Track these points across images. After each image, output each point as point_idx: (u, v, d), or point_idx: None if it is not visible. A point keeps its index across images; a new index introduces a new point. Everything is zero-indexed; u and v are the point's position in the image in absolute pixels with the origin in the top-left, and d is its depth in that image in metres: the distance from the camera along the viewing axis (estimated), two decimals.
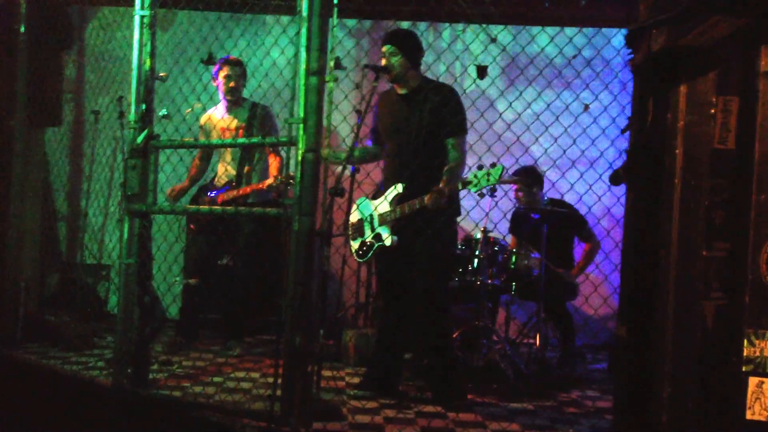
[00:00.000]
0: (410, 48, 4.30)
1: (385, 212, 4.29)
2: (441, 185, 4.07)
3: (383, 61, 4.31)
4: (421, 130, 4.25)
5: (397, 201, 4.26)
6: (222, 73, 5.35)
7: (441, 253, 4.28)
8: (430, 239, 4.17)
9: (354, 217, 4.52)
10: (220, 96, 5.43)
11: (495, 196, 4.38)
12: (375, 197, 4.44)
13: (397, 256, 4.30)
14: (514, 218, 5.84)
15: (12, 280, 5.31)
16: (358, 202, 4.55)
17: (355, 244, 4.47)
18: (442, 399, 4.23)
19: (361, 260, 4.48)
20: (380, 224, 4.31)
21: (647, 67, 2.89)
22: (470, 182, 4.05)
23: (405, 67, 4.29)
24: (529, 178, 5.47)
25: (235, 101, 5.40)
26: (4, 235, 5.34)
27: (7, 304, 5.27)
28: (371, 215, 4.37)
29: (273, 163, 5.39)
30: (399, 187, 4.26)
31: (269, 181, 5.20)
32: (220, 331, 5.61)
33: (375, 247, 4.31)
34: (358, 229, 4.45)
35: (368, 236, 4.36)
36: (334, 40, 3.78)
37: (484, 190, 4.06)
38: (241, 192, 5.29)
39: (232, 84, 5.33)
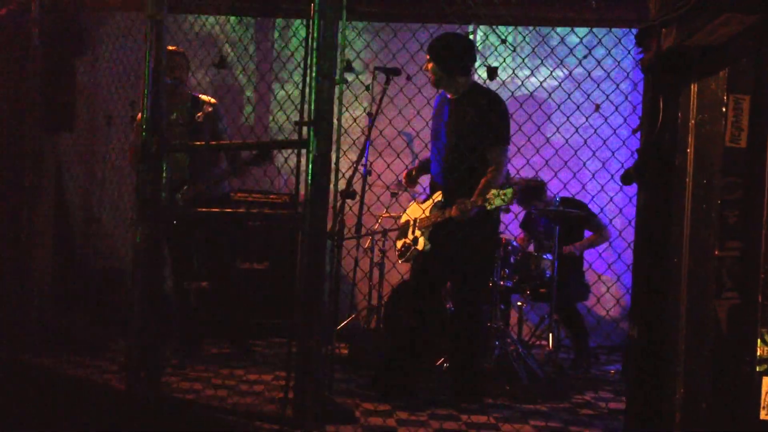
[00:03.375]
0: (443, 57, 4.26)
1: (423, 217, 4.41)
2: (473, 198, 4.08)
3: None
4: (463, 137, 4.25)
5: (438, 207, 4.31)
6: None
7: (480, 260, 4.35)
8: (468, 247, 4.19)
9: (403, 218, 4.67)
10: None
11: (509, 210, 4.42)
12: (425, 201, 4.53)
13: (432, 262, 4.36)
14: (526, 216, 5.87)
15: (26, 284, 5.35)
16: (410, 204, 4.69)
17: (398, 243, 4.62)
18: (463, 398, 4.27)
19: (401, 259, 4.61)
20: (418, 228, 4.40)
21: (657, 66, 2.87)
22: (487, 201, 4.08)
23: (440, 74, 4.30)
24: (528, 195, 5.47)
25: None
26: (17, 240, 5.38)
27: (21, 308, 5.30)
28: (415, 219, 4.49)
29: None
30: (440, 194, 4.30)
31: None
32: (229, 334, 5.59)
33: (411, 250, 4.44)
34: (404, 230, 4.59)
35: (409, 238, 4.49)
36: (344, 42, 3.78)
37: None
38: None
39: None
